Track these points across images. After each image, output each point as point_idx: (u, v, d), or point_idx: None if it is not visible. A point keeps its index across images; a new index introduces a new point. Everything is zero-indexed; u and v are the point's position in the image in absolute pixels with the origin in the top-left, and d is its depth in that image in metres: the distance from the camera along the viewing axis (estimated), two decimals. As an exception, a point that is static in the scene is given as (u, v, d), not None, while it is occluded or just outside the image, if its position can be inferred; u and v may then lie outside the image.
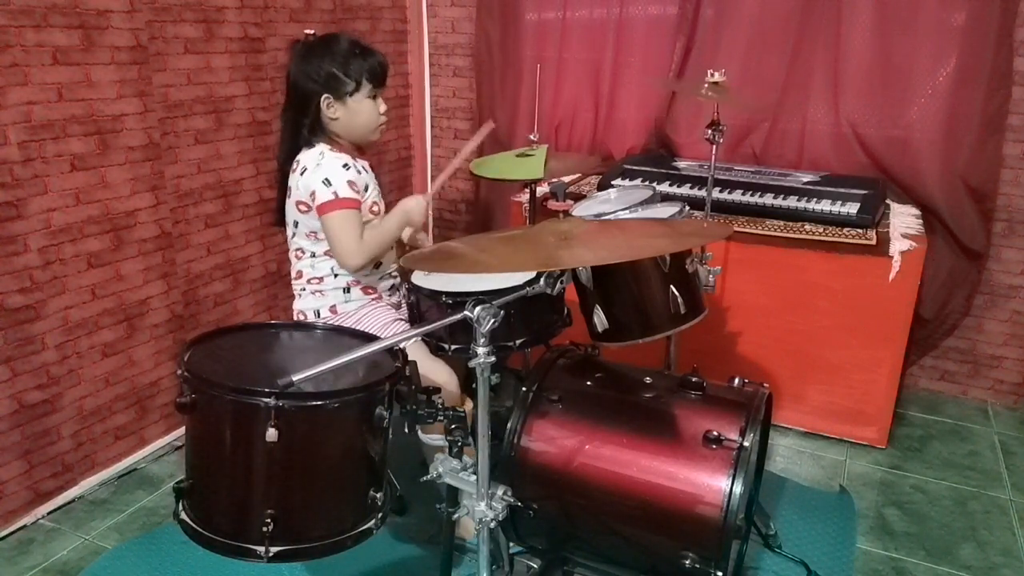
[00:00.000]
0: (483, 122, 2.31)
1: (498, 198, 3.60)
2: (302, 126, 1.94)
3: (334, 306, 2.02)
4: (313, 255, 2.00)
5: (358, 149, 2.04)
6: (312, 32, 1.95)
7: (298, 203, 1.93)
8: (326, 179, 1.87)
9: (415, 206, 2.01)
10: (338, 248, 1.90)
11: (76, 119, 2.22)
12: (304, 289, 2.04)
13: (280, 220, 2.05)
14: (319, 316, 2.01)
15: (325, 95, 1.91)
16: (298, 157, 1.94)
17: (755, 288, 2.70)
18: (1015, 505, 2.41)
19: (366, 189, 1.98)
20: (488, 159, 2.66)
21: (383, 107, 1.99)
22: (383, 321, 2.01)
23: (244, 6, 2.71)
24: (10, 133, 2.06)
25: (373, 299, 2.06)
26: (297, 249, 2.02)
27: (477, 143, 2.16)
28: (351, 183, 1.89)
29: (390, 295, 2.13)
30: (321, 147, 1.94)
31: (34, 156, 2.13)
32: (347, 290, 2.02)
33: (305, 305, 2.03)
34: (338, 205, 1.86)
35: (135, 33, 2.34)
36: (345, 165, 1.91)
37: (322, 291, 2.02)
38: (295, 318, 2.05)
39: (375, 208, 2.01)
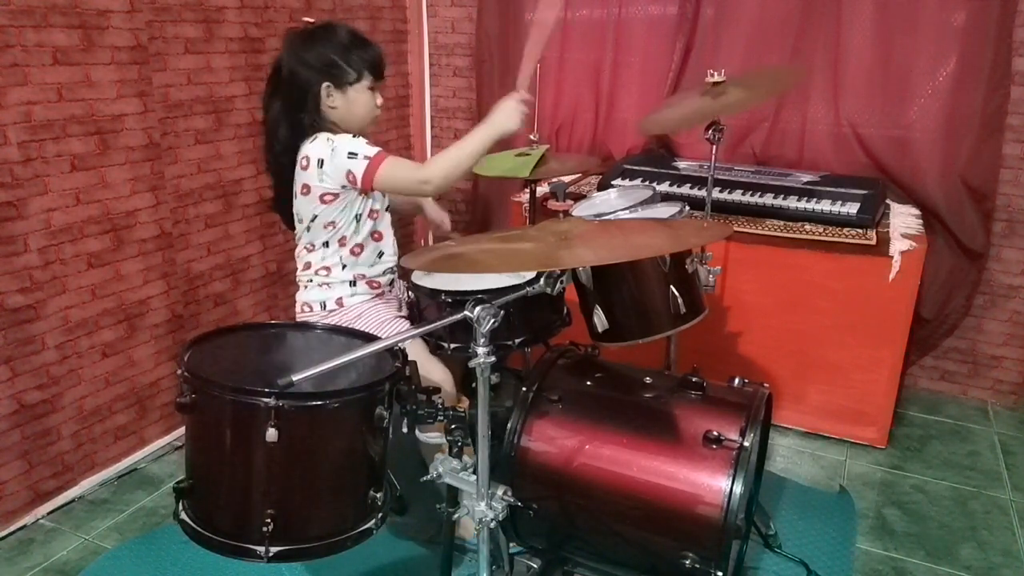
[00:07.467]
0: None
1: (498, 198, 3.60)
2: (300, 117, 1.89)
3: (340, 299, 1.99)
4: (326, 244, 1.95)
5: None
6: (310, 20, 1.93)
7: (323, 196, 1.87)
8: (351, 152, 1.83)
9: (509, 113, 1.83)
10: (407, 183, 1.86)
11: (76, 119, 2.22)
12: (311, 280, 2.00)
13: (287, 220, 2.02)
14: (324, 308, 1.99)
15: (326, 83, 1.88)
16: (305, 153, 1.88)
17: (755, 288, 2.70)
18: (1015, 505, 2.40)
19: None
20: (487, 157, 2.65)
21: (379, 100, 1.97)
22: (384, 319, 2.00)
23: (244, 6, 2.71)
24: (10, 133, 2.06)
25: (377, 295, 2.05)
26: (309, 243, 1.98)
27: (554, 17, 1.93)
28: (368, 144, 1.86)
29: (391, 290, 2.12)
30: (323, 134, 1.88)
31: (34, 156, 2.13)
32: (353, 283, 2.01)
33: (311, 296, 2.00)
34: (376, 163, 1.82)
35: (135, 33, 2.34)
36: (354, 135, 1.88)
37: (329, 283, 1.99)
38: (299, 310, 2.03)
39: (374, 213, 2.00)
